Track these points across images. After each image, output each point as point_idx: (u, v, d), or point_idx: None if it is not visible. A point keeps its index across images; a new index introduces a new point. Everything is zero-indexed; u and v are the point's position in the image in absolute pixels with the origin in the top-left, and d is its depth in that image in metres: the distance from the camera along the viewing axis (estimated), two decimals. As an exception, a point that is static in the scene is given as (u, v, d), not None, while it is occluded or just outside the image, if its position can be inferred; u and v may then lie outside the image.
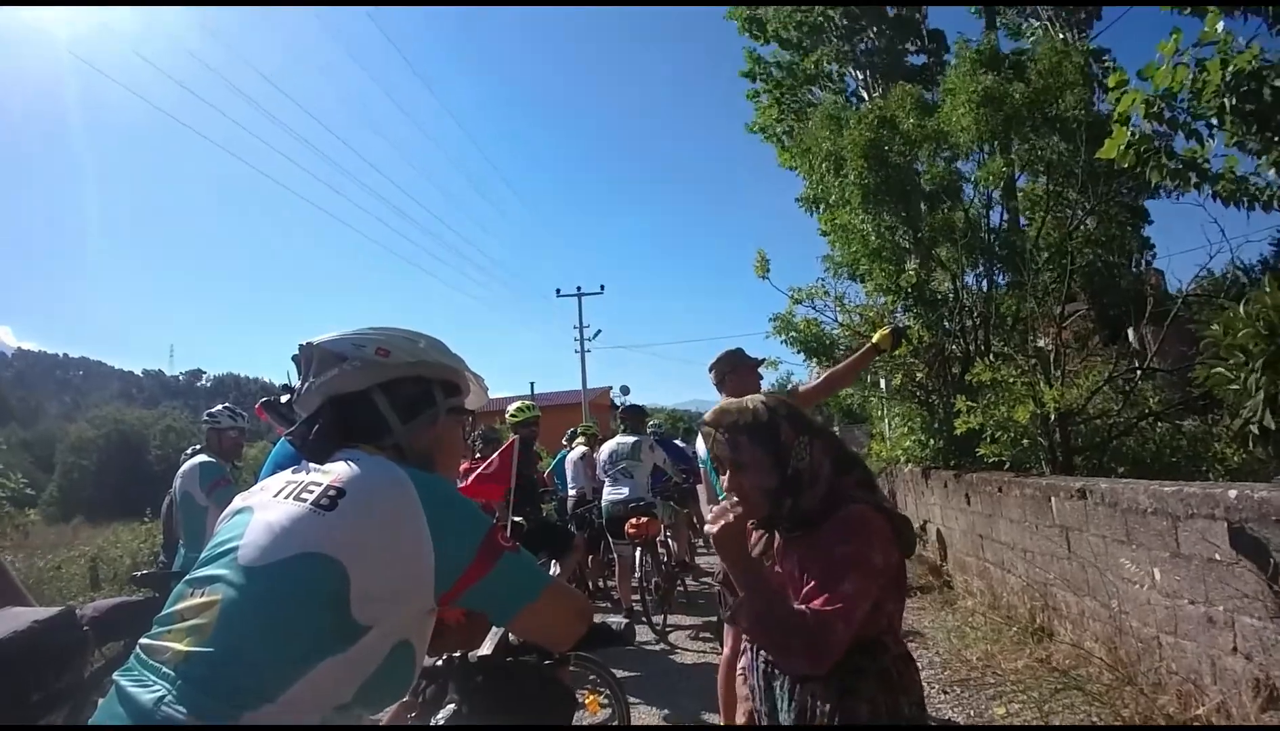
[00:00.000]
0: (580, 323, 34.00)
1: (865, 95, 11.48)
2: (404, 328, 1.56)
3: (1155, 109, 3.35)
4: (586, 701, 3.11)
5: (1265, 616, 2.84)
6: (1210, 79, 3.17)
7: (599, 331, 34.67)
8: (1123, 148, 3.48)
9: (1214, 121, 3.27)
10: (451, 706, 1.88)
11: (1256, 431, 3.29)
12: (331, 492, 1.26)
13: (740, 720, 1.98)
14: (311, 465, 1.37)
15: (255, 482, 1.61)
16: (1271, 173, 3.27)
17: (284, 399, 1.62)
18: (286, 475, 1.37)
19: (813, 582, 1.58)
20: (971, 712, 4.11)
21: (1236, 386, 3.71)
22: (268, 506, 1.29)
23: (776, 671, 1.76)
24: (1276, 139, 3.13)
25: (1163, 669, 3.59)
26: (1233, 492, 3.08)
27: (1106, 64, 9.88)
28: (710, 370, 3.96)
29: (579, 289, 34.18)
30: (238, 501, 1.40)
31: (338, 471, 1.31)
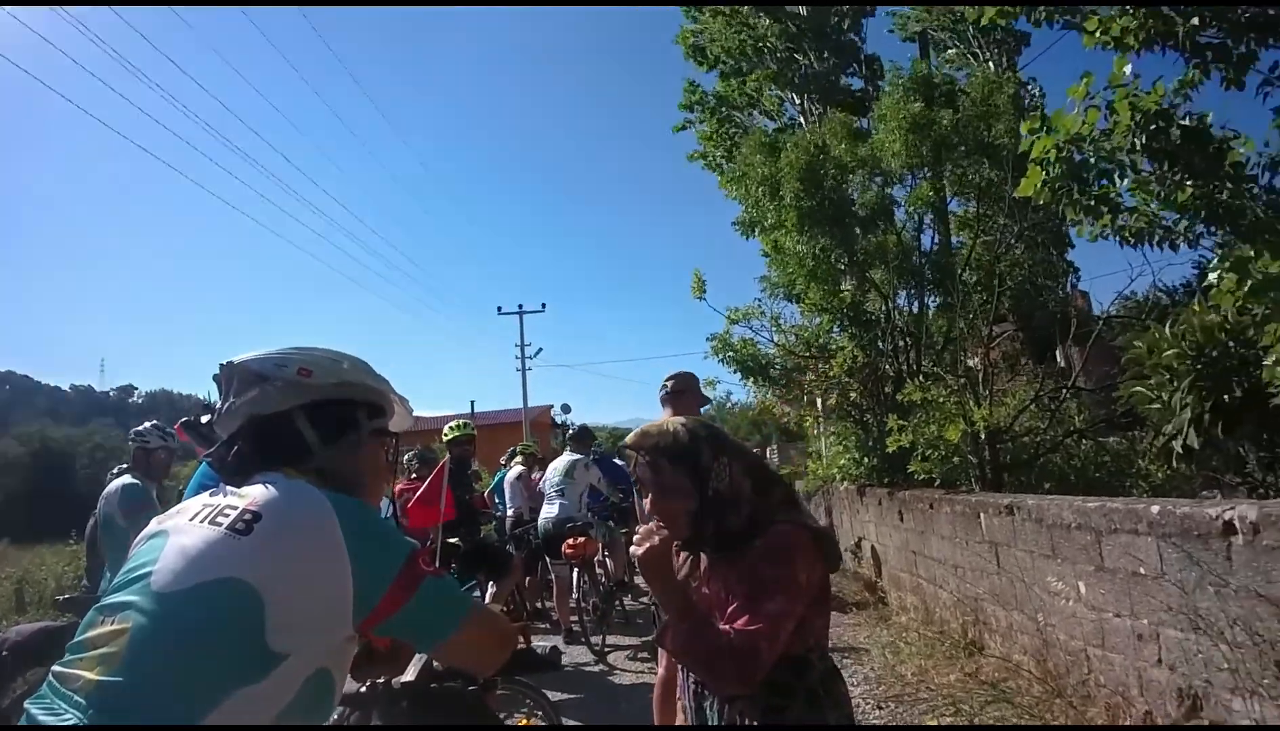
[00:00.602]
0: (521, 340, 33.73)
1: (803, 120, 11.71)
2: (328, 347, 1.52)
3: (1065, 153, 3.47)
4: (521, 725, 3.03)
5: (1188, 628, 2.92)
6: (1120, 119, 3.31)
7: (540, 349, 34.35)
8: (1039, 186, 3.61)
9: (1125, 161, 3.40)
10: None
11: (1180, 449, 3.40)
12: (248, 516, 1.23)
13: None
14: (229, 488, 1.32)
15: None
16: (1174, 214, 3.40)
17: (204, 419, 1.56)
18: (204, 498, 1.33)
19: (736, 603, 1.58)
20: (906, 728, 4.14)
21: (1158, 405, 3.84)
22: (183, 530, 1.25)
23: (706, 691, 1.77)
24: (1185, 178, 3.26)
25: (1091, 681, 3.67)
26: (1155, 508, 3.17)
27: (1033, 91, 10.25)
28: (668, 380, 4.01)
29: (520, 306, 33.95)
30: (153, 525, 1.35)
31: (255, 494, 1.27)
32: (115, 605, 1.17)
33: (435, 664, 1.85)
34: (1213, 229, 3.33)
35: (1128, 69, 3.31)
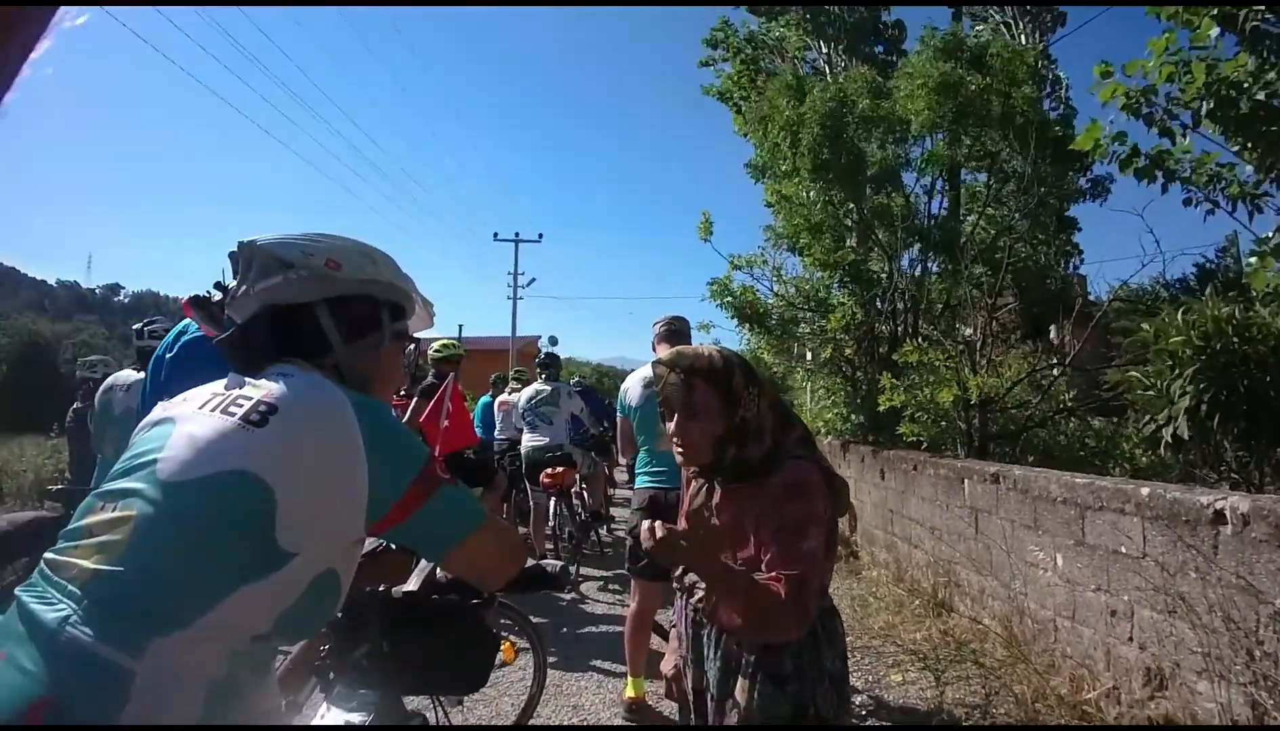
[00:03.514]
0: (515, 269, 33.60)
1: (827, 70, 11.45)
2: (357, 239, 1.44)
3: (1134, 102, 3.42)
4: (503, 648, 3.03)
5: (1165, 610, 2.98)
6: (1193, 80, 3.25)
7: (533, 280, 34.29)
8: (1098, 141, 3.56)
9: (1187, 122, 3.36)
10: (368, 645, 1.79)
11: (1169, 438, 3.41)
12: (263, 408, 1.17)
13: (667, 670, 1.98)
14: (244, 377, 1.26)
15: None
16: (1250, 169, 3.37)
17: (216, 297, 1.46)
18: (212, 387, 1.27)
19: (774, 548, 1.57)
20: (870, 679, 4.24)
21: (1152, 391, 3.85)
22: (191, 418, 1.19)
23: (704, 619, 1.77)
24: (1250, 146, 3.23)
25: (1057, 650, 3.76)
26: (1145, 490, 3.20)
27: (1056, 70, 10.13)
28: (667, 320, 4.05)
29: (517, 235, 33.85)
30: (158, 411, 1.28)
31: (270, 386, 1.22)
32: (118, 492, 1.12)
33: (440, 575, 1.83)
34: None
35: (1213, 32, 3.24)
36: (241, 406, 1.18)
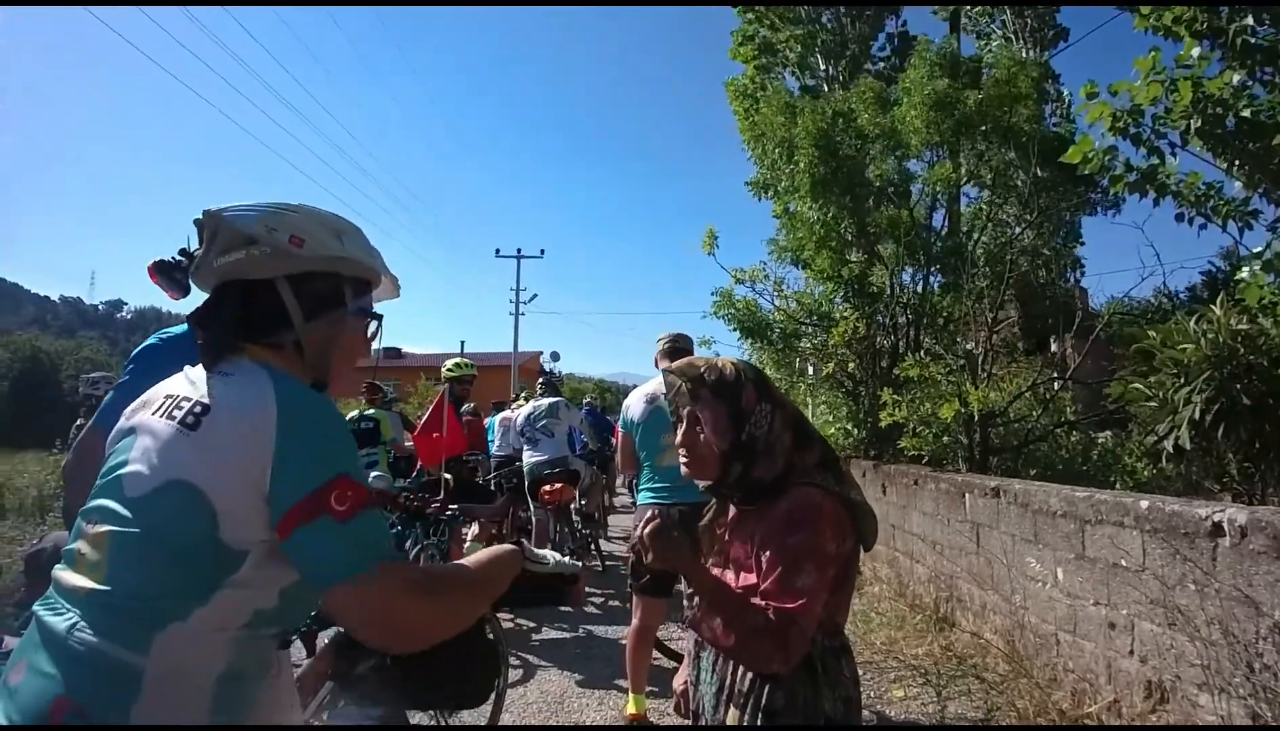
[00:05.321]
0: (517, 284, 33.77)
1: (825, 86, 11.51)
2: (325, 211, 1.39)
3: (1121, 123, 3.45)
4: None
5: (1164, 623, 2.97)
6: (1180, 99, 3.27)
7: (535, 295, 34.42)
8: (1087, 155, 3.58)
9: (1175, 141, 3.39)
10: (372, 660, 1.80)
11: (1170, 448, 3.40)
12: (198, 410, 1.16)
13: (679, 685, 1.93)
14: (190, 374, 1.25)
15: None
16: (1238, 186, 3.40)
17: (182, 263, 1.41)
18: (168, 386, 1.26)
19: (771, 578, 1.51)
20: (872, 694, 4.22)
21: (1155, 402, 3.86)
22: (147, 427, 1.20)
23: (689, 626, 1.72)
24: (1238, 162, 3.25)
25: (1059, 665, 3.75)
26: (1144, 503, 3.20)
27: (1060, 84, 10.18)
28: (670, 337, 4.11)
29: (519, 251, 33.99)
30: (124, 419, 1.27)
31: (210, 385, 1.20)
32: (95, 510, 1.15)
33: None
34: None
35: (1196, 51, 3.27)
36: (182, 409, 1.18)
